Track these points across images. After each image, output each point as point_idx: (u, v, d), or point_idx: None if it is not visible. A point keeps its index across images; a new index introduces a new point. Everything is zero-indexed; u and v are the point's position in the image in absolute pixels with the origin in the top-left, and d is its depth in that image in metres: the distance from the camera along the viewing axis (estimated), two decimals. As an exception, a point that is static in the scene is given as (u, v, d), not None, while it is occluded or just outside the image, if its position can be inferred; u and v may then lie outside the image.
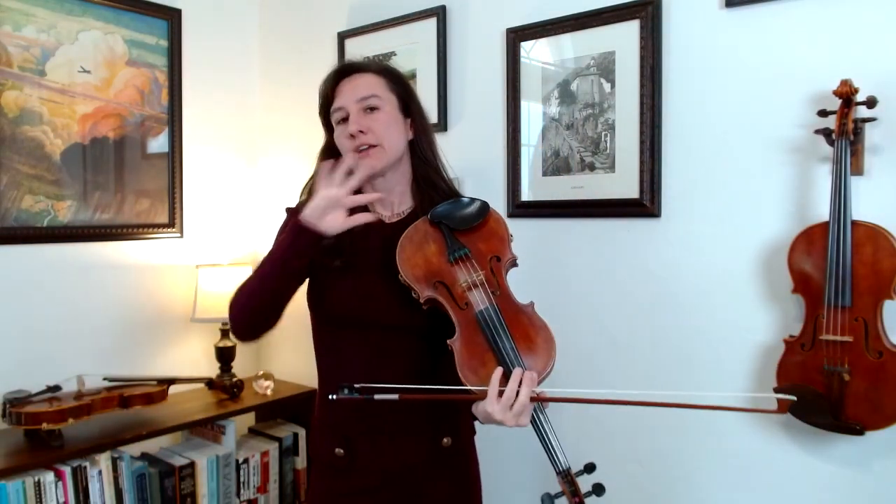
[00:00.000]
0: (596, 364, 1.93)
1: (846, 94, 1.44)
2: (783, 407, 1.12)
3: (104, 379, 2.16)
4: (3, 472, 1.81)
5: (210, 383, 2.43)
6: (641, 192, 1.82)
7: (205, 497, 2.25)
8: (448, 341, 1.20)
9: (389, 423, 1.32)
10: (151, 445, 2.26)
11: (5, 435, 2.01)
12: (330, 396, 1.17)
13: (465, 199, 1.33)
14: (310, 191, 1.38)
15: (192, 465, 2.23)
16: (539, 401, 1.16)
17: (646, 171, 1.81)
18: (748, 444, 1.69)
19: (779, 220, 1.63)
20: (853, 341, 1.44)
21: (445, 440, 1.37)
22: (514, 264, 1.30)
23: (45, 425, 1.90)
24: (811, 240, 1.51)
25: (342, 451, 1.34)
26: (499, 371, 1.15)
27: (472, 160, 2.17)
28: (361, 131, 1.28)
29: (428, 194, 1.37)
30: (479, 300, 1.22)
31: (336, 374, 1.34)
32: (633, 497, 1.87)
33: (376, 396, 1.16)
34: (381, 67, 1.37)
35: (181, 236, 2.58)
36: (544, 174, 2.02)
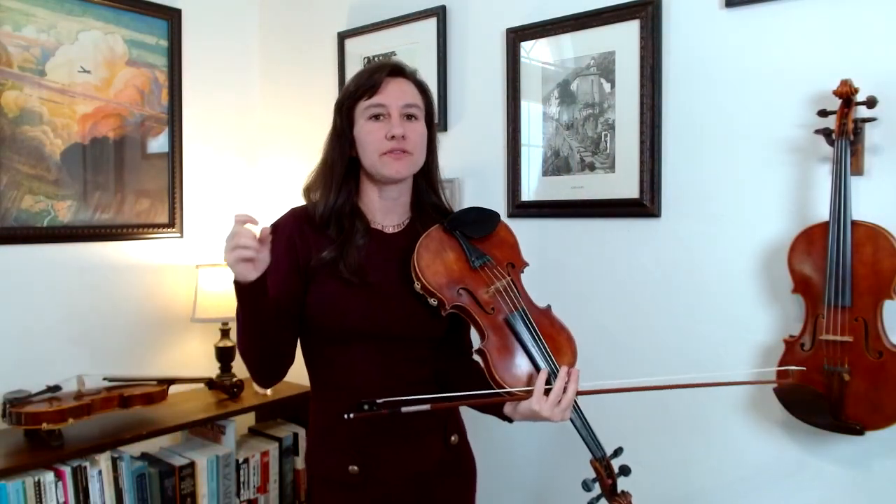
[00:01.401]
0: (595, 364, 1.92)
1: (846, 94, 1.44)
2: (783, 376, 1.16)
3: (104, 379, 2.16)
4: (3, 472, 1.81)
5: (210, 383, 2.42)
6: (641, 192, 1.82)
7: (205, 497, 2.25)
8: (481, 345, 1.23)
9: (403, 429, 1.31)
10: (151, 445, 2.26)
11: (5, 435, 2.01)
12: (346, 416, 1.13)
13: (477, 209, 1.37)
14: (309, 191, 1.39)
15: (192, 465, 2.22)
16: (581, 394, 1.22)
17: (646, 171, 1.81)
18: (748, 445, 1.69)
19: (779, 220, 1.63)
20: (853, 341, 1.44)
21: (454, 438, 1.41)
22: (523, 270, 1.36)
23: (45, 425, 1.90)
24: (811, 240, 1.51)
25: (356, 467, 1.31)
26: (545, 371, 1.21)
27: (472, 160, 2.17)
28: (403, 136, 1.29)
29: (425, 207, 1.42)
30: (506, 305, 1.26)
31: (343, 388, 1.31)
32: (633, 498, 1.87)
33: (403, 409, 1.14)
34: (420, 81, 1.39)
35: (181, 236, 2.58)
36: (544, 174, 2.02)
